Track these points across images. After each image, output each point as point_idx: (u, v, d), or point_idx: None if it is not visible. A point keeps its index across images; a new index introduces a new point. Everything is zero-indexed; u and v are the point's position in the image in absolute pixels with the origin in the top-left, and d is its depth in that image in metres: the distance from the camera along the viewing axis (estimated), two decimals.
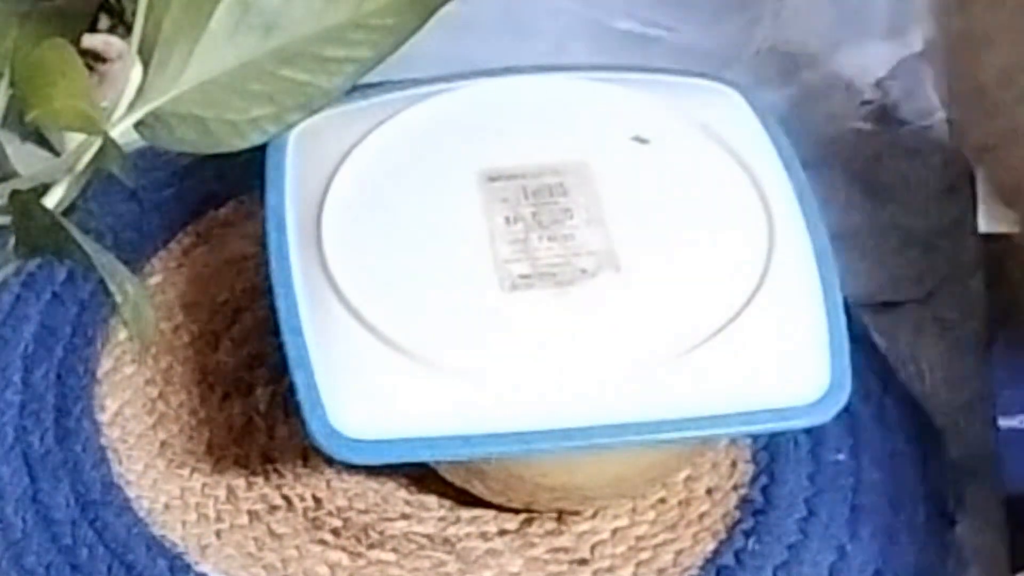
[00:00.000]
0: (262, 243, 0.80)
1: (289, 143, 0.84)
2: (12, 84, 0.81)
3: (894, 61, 0.97)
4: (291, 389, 0.75)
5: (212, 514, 0.80)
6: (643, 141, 0.84)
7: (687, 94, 0.88)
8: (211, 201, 0.94)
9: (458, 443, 0.73)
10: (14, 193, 0.77)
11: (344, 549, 0.80)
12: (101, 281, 0.80)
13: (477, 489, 0.80)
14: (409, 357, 0.75)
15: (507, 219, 0.80)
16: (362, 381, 0.74)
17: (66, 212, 0.81)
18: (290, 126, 0.83)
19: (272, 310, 0.77)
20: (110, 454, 0.82)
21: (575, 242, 0.79)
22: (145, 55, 0.82)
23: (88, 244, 0.76)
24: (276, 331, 0.77)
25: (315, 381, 0.74)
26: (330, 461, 0.81)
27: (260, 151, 0.84)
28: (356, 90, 0.86)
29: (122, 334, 0.87)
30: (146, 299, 0.77)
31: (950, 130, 0.91)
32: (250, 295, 0.90)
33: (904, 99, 0.95)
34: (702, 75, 0.90)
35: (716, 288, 0.78)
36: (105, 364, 0.86)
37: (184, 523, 0.80)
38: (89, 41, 0.93)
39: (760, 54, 0.96)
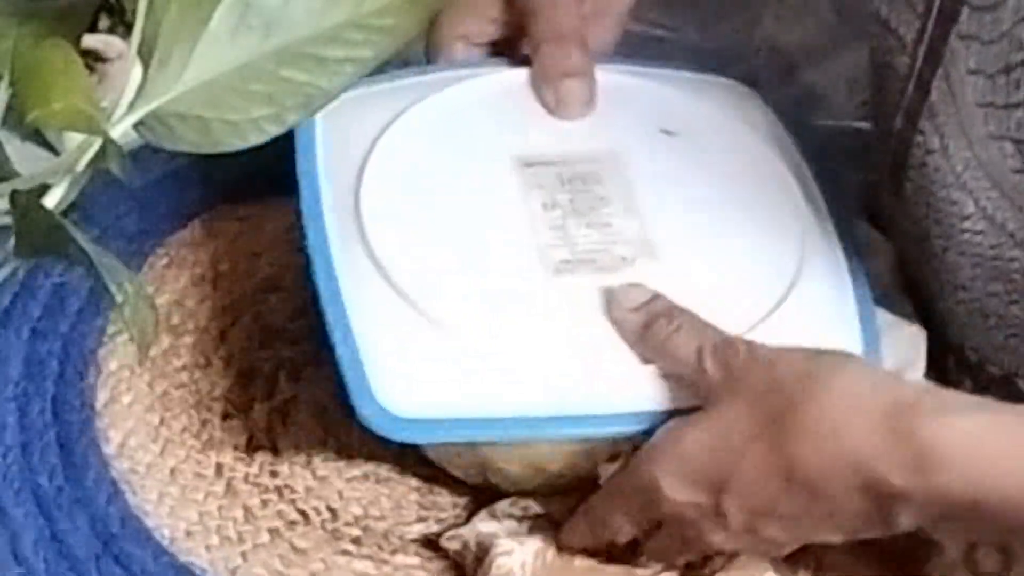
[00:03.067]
0: (239, 258, 0.80)
1: (317, 123, 0.84)
2: (12, 84, 0.81)
3: None
4: (335, 371, 0.75)
5: (234, 536, 0.81)
6: (670, 134, 0.85)
7: (709, 91, 0.90)
8: (174, 222, 0.94)
9: (504, 425, 0.74)
10: (14, 193, 0.77)
11: (369, 557, 0.80)
12: (90, 294, 0.80)
13: (490, 480, 0.81)
14: (457, 337, 0.75)
15: (545, 205, 0.81)
16: (410, 361, 0.75)
17: (66, 212, 0.81)
18: (289, 126, 0.83)
19: (311, 288, 0.77)
20: (123, 486, 0.82)
21: (612, 230, 0.80)
22: (145, 55, 0.82)
23: (87, 244, 0.76)
24: (303, 313, 0.79)
25: (361, 360, 0.74)
26: (339, 471, 0.83)
27: (217, 166, 0.84)
28: (382, 70, 0.86)
29: (113, 364, 0.87)
30: (146, 299, 0.77)
31: None
32: (231, 312, 0.90)
33: None
34: (720, 74, 0.91)
35: (754, 279, 0.79)
36: (101, 396, 0.86)
37: (208, 547, 0.80)
38: (89, 41, 0.93)
39: (760, 54, 0.96)
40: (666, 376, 0.75)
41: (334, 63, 0.84)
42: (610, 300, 0.77)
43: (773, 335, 0.76)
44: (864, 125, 0.94)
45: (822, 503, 0.70)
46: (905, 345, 0.84)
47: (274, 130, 0.83)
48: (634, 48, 0.95)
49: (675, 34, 0.96)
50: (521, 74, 0.88)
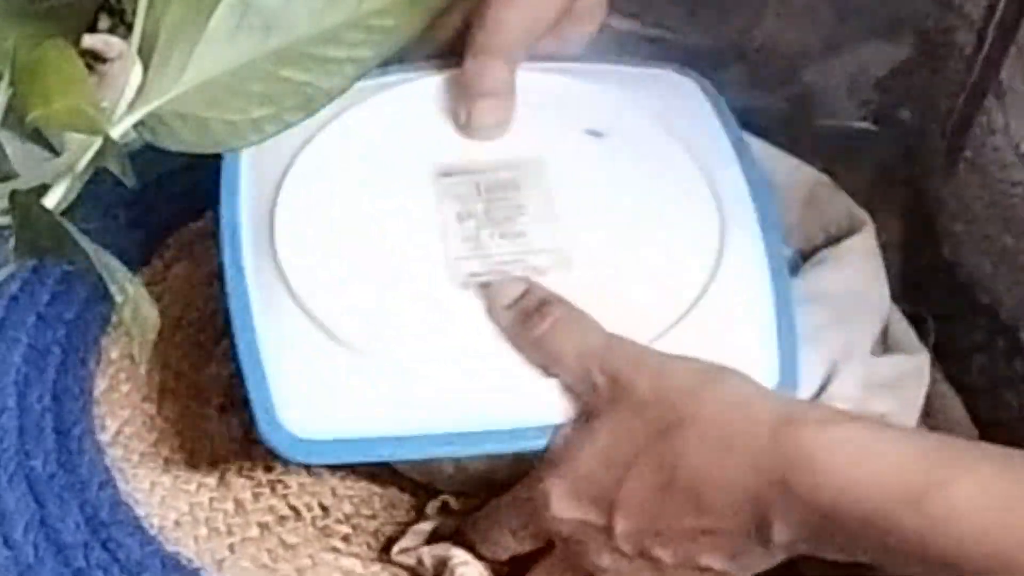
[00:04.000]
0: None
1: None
2: (12, 84, 0.81)
3: (894, 61, 0.96)
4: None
5: (223, 528, 0.81)
6: (597, 135, 0.84)
7: (642, 85, 0.88)
8: (185, 214, 0.94)
9: (412, 443, 0.74)
10: (14, 193, 0.77)
11: (357, 556, 0.80)
12: (97, 283, 0.79)
13: (436, 483, 0.81)
14: (361, 356, 0.75)
15: (459, 215, 0.80)
16: (314, 381, 0.74)
17: (66, 212, 0.81)
18: (290, 126, 0.83)
19: (225, 312, 0.77)
20: (115, 474, 0.82)
21: (527, 239, 0.79)
22: (145, 55, 0.82)
23: (87, 244, 0.76)
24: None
25: (266, 380, 0.74)
26: (333, 469, 0.83)
27: (216, 167, 0.83)
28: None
29: (114, 353, 0.87)
30: (146, 299, 0.77)
31: None
32: None
33: (904, 99, 0.95)
34: (658, 65, 0.90)
35: (667, 285, 0.77)
36: (100, 384, 0.86)
37: (196, 538, 0.80)
38: (89, 41, 0.93)
39: (760, 54, 0.96)
40: (568, 388, 0.74)
41: (334, 63, 0.84)
42: (487, 298, 0.75)
43: (681, 343, 0.75)
44: (864, 125, 0.94)
45: (706, 518, 0.67)
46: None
47: (274, 130, 0.83)
48: (633, 48, 0.95)
49: (675, 34, 0.96)
50: (440, 81, 0.86)
